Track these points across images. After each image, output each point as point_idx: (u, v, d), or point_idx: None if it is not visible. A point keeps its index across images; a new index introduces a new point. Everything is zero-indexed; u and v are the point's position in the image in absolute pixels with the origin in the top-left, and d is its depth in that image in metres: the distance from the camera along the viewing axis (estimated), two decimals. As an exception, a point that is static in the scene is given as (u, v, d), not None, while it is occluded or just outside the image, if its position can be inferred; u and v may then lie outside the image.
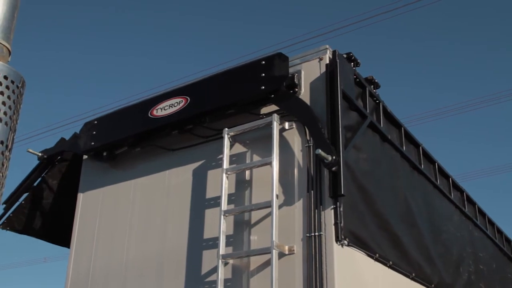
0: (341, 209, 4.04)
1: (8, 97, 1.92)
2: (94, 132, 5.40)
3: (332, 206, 4.05)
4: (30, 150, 5.78)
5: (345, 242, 4.01)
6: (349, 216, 4.11)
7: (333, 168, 4.06)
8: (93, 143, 5.37)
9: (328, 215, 4.04)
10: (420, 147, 6.04)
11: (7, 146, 1.91)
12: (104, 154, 5.46)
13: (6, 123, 1.89)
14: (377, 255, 4.46)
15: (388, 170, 5.04)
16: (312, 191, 4.16)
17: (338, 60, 4.41)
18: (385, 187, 4.89)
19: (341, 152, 4.10)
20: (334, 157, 4.03)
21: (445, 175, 6.76)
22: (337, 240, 3.98)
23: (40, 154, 5.84)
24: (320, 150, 3.99)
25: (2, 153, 1.90)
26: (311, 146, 4.27)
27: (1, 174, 1.90)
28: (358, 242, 4.22)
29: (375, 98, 5.16)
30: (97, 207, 5.43)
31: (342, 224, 4.01)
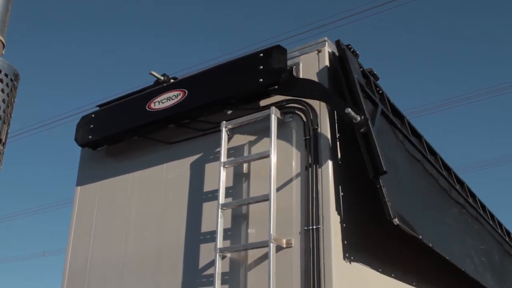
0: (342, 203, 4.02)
1: (2, 90, 1.90)
2: (92, 126, 5.37)
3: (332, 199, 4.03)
4: (153, 72, 5.51)
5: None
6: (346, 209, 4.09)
7: (362, 130, 3.92)
8: (90, 137, 5.34)
9: (326, 208, 4.02)
10: (422, 138, 6.01)
11: (0, 140, 1.89)
12: (102, 147, 5.44)
13: (-1, 117, 1.88)
14: (375, 248, 4.44)
15: (404, 158, 4.98)
16: (310, 184, 4.14)
17: (344, 48, 4.37)
18: (405, 175, 4.81)
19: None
20: (363, 117, 3.92)
21: (446, 167, 6.74)
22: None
23: (162, 78, 5.45)
24: (349, 109, 3.87)
25: (-4, 147, 1.88)
26: (310, 139, 4.24)
27: (-5, 168, 1.88)
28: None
29: (378, 89, 5.11)
30: (95, 200, 5.41)
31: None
